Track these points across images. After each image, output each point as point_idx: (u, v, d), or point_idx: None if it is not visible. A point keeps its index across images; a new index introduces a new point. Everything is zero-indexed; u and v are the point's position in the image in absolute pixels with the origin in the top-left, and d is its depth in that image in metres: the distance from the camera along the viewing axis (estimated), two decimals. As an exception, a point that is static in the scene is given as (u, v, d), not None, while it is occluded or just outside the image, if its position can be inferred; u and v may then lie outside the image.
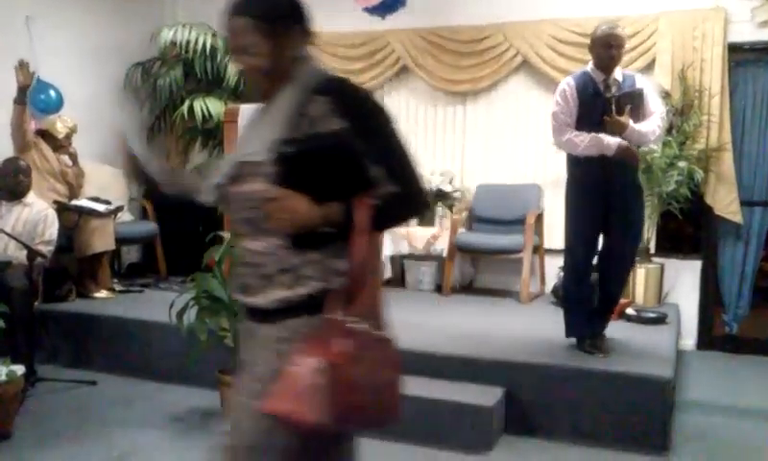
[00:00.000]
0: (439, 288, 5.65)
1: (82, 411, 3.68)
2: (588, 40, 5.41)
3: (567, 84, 3.74)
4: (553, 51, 5.59)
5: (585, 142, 3.59)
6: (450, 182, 5.96)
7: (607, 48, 3.63)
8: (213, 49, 6.13)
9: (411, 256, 5.85)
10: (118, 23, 6.28)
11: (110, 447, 3.20)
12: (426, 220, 5.92)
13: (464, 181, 6.06)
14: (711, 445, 3.42)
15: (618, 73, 3.73)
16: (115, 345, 4.44)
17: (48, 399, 3.85)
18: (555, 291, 5.16)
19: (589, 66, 3.76)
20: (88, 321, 4.57)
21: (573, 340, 3.88)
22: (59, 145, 5.18)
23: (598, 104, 3.63)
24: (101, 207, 5.07)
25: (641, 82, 3.76)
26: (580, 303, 3.79)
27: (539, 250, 5.61)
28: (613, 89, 3.67)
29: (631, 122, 3.56)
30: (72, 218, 4.93)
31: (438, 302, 5.33)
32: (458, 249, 5.53)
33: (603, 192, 3.65)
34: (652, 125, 3.64)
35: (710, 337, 5.29)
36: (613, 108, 3.58)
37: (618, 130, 3.55)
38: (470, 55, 5.88)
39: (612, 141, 3.55)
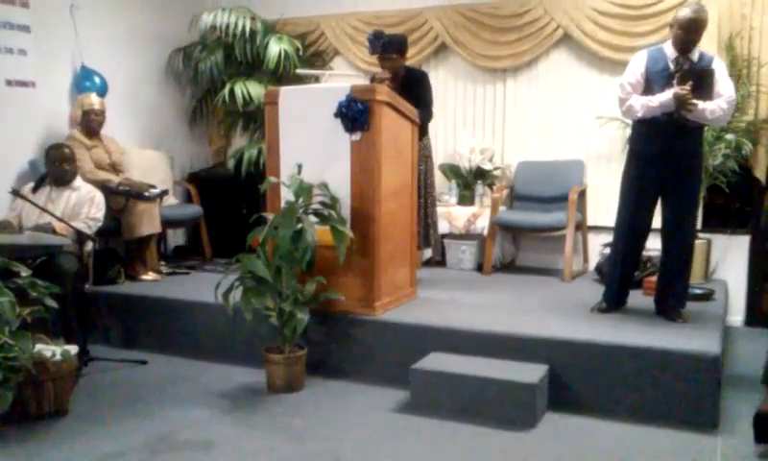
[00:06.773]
0: (480, 267, 5.63)
1: (134, 389, 3.79)
2: (630, 12, 5.37)
3: (639, 56, 3.89)
4: (595, 24, 5.48)
5: (640, 102, 3.75)
6: (490, 160, 5.92)
7: (687, 32, 3.68)
8: (253, 32, 6.16)
9: (451, 236, 5.84)
10: (159, 9, 6.36)
11: (162, 423, 3.30)
12: (467, 199, 5.90)
13: (504, 159, 6.01)
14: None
15: (696, 52, 3.78)
16: (164, 325, 4.55)
17: (101, 377, 3.97)
18: (598, 269, 5.11)
19: (667, 42, 3.83)
20: (138, 302, 4.68)
21: (618, 316, 3.96)
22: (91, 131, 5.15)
23: (665, 79, 3.72)
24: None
25: (717, 64, 3.79)
26: (616, 269, 4.04)
27: (581, 227, 5.55)
28: (685, 67, 3.71)
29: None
30: (119, 201, 5.04)
31: (479, 280, 5.31)
32: (499, 227, 5.50)
33: (662, 159, 3.78)
34: (712, 105, 3.68)
35: (759, 314, 5.17)
36: (675, 82, 3.66)
37: (677, 100, 3.64)
38: (510, 30, 5.80)
39: (663, 97, 3.66)
